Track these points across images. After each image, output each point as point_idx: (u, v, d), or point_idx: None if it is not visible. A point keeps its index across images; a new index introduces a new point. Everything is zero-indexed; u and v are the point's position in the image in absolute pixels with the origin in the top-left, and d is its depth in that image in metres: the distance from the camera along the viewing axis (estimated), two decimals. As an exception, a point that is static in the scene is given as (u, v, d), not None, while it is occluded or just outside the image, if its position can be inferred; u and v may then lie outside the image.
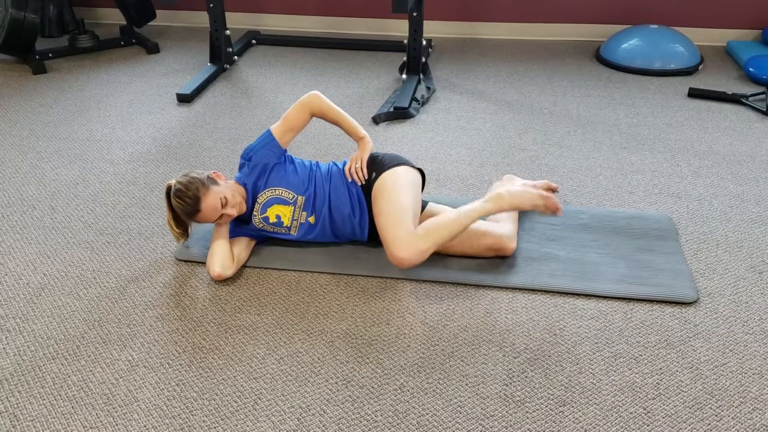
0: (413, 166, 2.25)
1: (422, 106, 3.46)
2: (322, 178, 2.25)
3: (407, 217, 2.04)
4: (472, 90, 3.66)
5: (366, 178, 2.22)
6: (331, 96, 3.55)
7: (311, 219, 2.23)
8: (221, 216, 2.12)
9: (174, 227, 2.19)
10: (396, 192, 2.11)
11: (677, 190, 2.67)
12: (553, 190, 2.58)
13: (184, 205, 2.07)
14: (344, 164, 2.29)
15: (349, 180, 2.23)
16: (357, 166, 2.22)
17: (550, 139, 3.09)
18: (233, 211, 2.13)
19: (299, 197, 2.21)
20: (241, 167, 2.27)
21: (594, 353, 1.88)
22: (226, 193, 2.11)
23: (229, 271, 2.14)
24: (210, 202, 2.07)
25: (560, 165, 2.86)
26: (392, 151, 3.00)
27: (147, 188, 2.73)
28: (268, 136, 2.21)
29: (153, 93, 3.66)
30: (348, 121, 2.24)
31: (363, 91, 3.65)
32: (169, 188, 2.15)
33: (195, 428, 1.67)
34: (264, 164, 2.21)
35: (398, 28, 4.56)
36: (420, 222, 2.25)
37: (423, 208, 2.29)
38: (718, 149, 2.99)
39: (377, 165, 2.22)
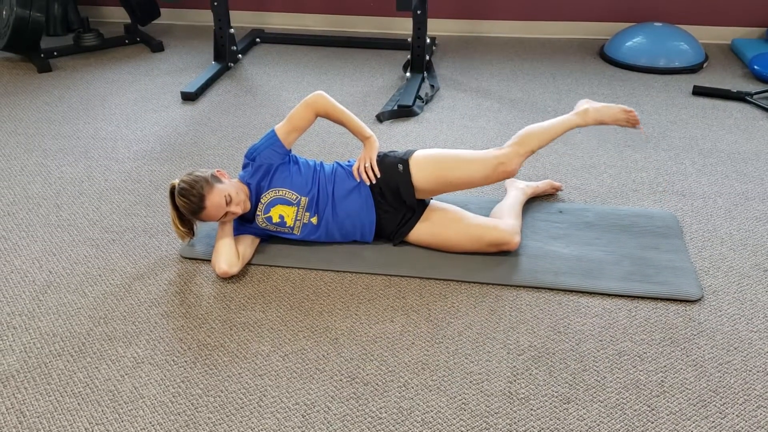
0: None
1: (426, 104, 3.46)
2: (325, 179, 2.25)
3: (474, 154, 2.21)
4: (476, 88, 3.66)
5: (377, 176, 2.21)
6: (335, 94, 3.55)
7: (314, 220, 2.24)
8: (226, 214, 2.12)
9: (179, 226, 2.19)
10: (443, 155, 2.24)
11: (682, 188, 2.67)
12: (557, 189, 2.59)
13: (189, 204, 2.08)
14: (349, 164, 2.29)
15: (358, 180, 2.23)
16: (366, 165, 2.22)
17: (554, 137, 3.08)
18: (237, 209, 2.13)
19: (302, 198, 2.21)
20: (244, 166, 2.27)
21: (598, 351, 1.88)
22: (230, 190, 2.12)
23: (235, 269, 2.15)
24: (214, 199, 2.08)
25: (564, 163, 2.86)
26: (396, 149, 3.00)
27: (152, 186, 2.74)
28: (273, 137, 2.22)
29: (157, 91, 3.67)
30: (353, 121, 2.24)
31: (367, 90, 3.66)
32: (172, 188, 2.15)
33: (200, 425, 1.67)
34: (268, 165, 2.21)
35: (402, 26, 4.56)
36: (433, 220, 2.26)
37: (426, 204, 2.29)
38: (722, 147, 2.98)
39: (393, 159, 2.23)
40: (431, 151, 2.26)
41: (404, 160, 2.22)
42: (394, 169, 2.21)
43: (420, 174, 2.20)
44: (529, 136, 2.23)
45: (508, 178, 2.22)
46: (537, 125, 2.27)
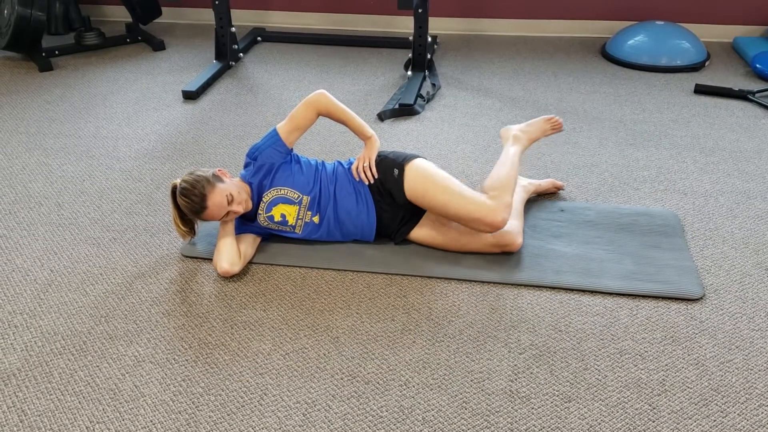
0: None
1: (427, 102, 3.46)
2: (327, 178, 2.25)
3: (467, 190, 2.16)
4: (477, 87, 3.65)
5: (375, 177, 2.21)
6: (336, 93, 3.55)
7: (315, 219, 2.24)
8: (227, 213, 2.12)
9: (180, 226, 2.19)
10: (437, 178, 2.18)
11: (683, 186, 2.66)
12: (559, 188, 2.59)
13: (191, 203, 2.08)
14: (350, 164, 2.29)
15: (357, 180, 2.23)
16: (365, 165, 2.22)
17: (555, 136, 3.08)
18: (239, 208, 2.13)
19: (304, 197, 2.21)
20: (246, 166, 2.27)
21: (599, 349, 1.88)
22: (231, 189, 2.12)
23: (237, 268, 2.15)
24: (216, 199, 2.08)
25: (566, 161, 2.86)
26: (397, 148, 3.00)
27: (153, 185, 2.74)
28: (274, 136, 2.21)
29: (159, 90, 3.67)
30: (355, 120, 2.24)
31: (368, 88, 3.65)
32: (174, 188, 2.15)
33: (201, 423, 1.67)
34: (270, 164, 2.21)
35: (403, 25, 4.56)
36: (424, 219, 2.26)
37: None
38: (724, 146, 2.98)
39: (391, 162, 2.22)
40: (429, 169, 2.20)
41: (401, 166, 2.21)
42: (390, 173, 2.21)
43: (411, 185, 2.19)
44: (496, 182, 2.17)
45: (492, 231, 2.13)
46: (497, 169, 2.23)
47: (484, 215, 2.09)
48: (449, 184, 2.16)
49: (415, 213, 2.26)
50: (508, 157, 2.28)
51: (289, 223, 2.23)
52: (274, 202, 2.20)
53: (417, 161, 2.22)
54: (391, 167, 2.21)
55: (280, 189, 2.20)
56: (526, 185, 2.49)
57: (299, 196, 2.21)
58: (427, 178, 2.18)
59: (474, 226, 2.13)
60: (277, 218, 2.22)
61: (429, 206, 2.18)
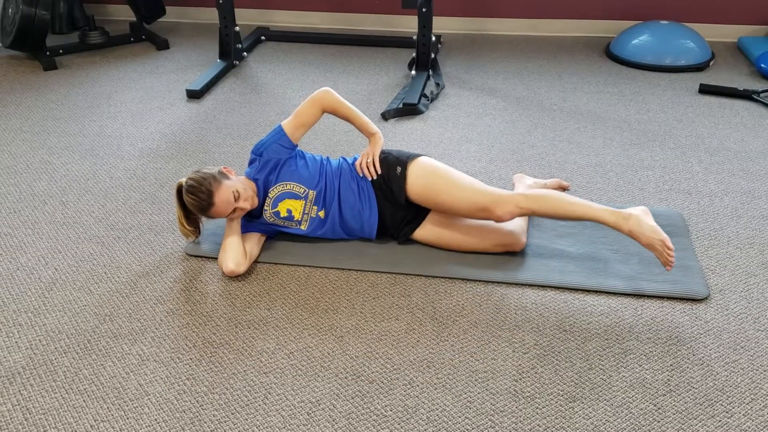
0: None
1: (431, 102, 3.45)
2: (332, 173, 2.25)
3: (475, 182, 2.15)
4: (481, 86, 3.65)
5: (378, 173, 2.21)
6: (340, 92, 3.55)
7: (321, 214, 2.24)
8: (234, 210, 2.13)
9: (185, 225, 2.19)
10: (441, 173, 2.17)
11: (688, 186, 2.66)
12: (564, 188, 2.58)
13: (198, 201, 2.08)
14: (354, 160, 2.29)
15: (360, 175, 2.23)
16: (368, 161, 2.22)
17: (559, 136, 3.08)
18: (246, 205, 2.13)
19: (310, 191, 2.21)
20: (251, 162, 2.27)
21: (604, 349, 1.88)
22: (238, 186, 2.12)
23: (242, 268, 2.15)
24: (223, 195, 2.08)
25: (570, 161, 2.85)
26: (402, 147, 2.99)
27: (157, 184, 2.74)
28: (280, 132, 2.22)
29: (163, 89, 3.67)
30: (359, 117, 2.24)
31: (372, 88, 3.65)
32: (179, 187, 2.15)
33: (205, 422, 1.67)
34: (276, 159, 2.21)
35: (407, 24, 4.56)
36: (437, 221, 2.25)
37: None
38: (729, 145, 2.97)
39: (394, 160, 2.22)
40: (433, 165, 2.20)
41: (404, 163, 2.21)
42: (393, 170, 2.21)
43: (413, 182, 2.18)
44: (545, 199, 2.08)
45: (491, 220, 2.12)
46: (564, 197, 2.08)
47: (483, 205, 2.09)
48: (454, 177, 2.16)
49: (418, 212, 2.26)
50: (586, 203, 2.08)
51: (295, 219, 2.23)
52: (280, 198, 2.21)
53: (421, 159, 2.22)
54: (394, 165, 2.21)
55: (286, 184, 2.20)
56: (531, 184, 2.49)
57: (305, 191, 2.21)
58: (429, 174, 2.18)
59: (475, 217, 2.13)
60: (283, 214, 2.22)
61: (434, 201, 2.17)
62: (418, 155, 2.24)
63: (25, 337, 1.95)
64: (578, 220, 2.12)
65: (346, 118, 2.25)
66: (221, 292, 2.12)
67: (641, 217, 2.03)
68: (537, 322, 1.98)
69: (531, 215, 2.13)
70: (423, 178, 2.17)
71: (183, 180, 2.14)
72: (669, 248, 1.98)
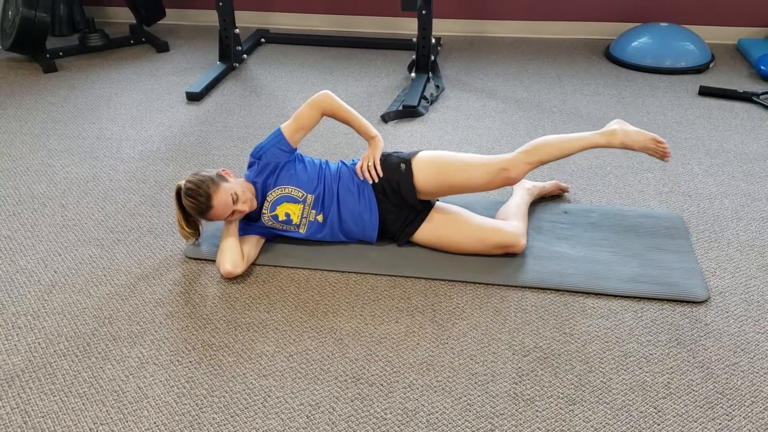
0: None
1: (431, 104, 3.46)
2: (331, 177, 2.25)
3: (477, 156, 2.20)
4: (481, 88, 3.65)
5: (380, 176, 2.21)
6: (340, 94, 3.55)
7: (320, 218, 2.23)
8: (232, 213, 2.12)
9: (184, 227, 2.19)
10: (446, 157, 2.22)
11: (688, 188, 2.66)
12: (563, 190, 2.58)
13: (196, 204, 2.08)
14: (353, 163, 2.29)
15: (361, 179, 2.23)
16: (369, 164, 2.22)
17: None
18: (244, 207, 2.13)
19: (309, 195, 2.21)
20: (250, 165, 2.27)
21: (604, 352, 1.87)
22: (236, 189, 2.12)
23: (240, 269, 2.15)
24: (221, 198, 2.08)
25: (570, 163, 2.85)
26: (401, 150, 2.99)
27: (157, 186, 2.74)
28: (279, 135, 2.22)
29: (162, 91, 3.67)
30: (359, 120, 2.24)
31: (372, 90, 3.65)
32: (178, 189, 2.15)
33: (205, 425, 1.67)
34: (275, 163, 2.21)
35: (407, 27, 4.56)
36: (441, 220, 2.25)
37: (431, 205, 2.29)
38: (728, 148, 2.97)
39: (396, 159, 2.22)
40: (435, 152, 2.25)
41: (407, 160, 2.21)
42: (396, 169, 2.21)
43: (421, 174, 2.19)
44: (542, 145, 2.18)
45: (511, 184, 2.18)
46: (554, 136, 2.21)
47: (497, 172, 2.14)
48: (460, 157, 2.20)
49: (418, 215, 2.26)
50: (575, 135, 2.23)
51: (294, 222, 2.23)
52: (278, 201, 2.20)
53: (421, 153, 2.25)
54: (396, 164, 2.22)
55: (285, 188, 2.20)
56: (530, 188, 2.49)
57: (303, 195, 2.21)
58: (435, 161, 2.21)
59: (495, 186, 2.18)
60: (282, 217, 2.22)
61: (449, 184, 2.21)
62: (417, 151, 2.26)
63: (24, 340, 1.94)
64: (577, 152, 2.25)
65: (346, 121, 2.25)
66: (221, 295, 2.11)
67: (624, 127, 2.24)
68: (537, 324, 1.97)
69: (540, 165, 2.19)
70: (430, 167, 2.19)
71: (182, 183, 2.14)
72: (660, 142, 2.20)
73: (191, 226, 2.21)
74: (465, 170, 2.17)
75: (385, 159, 2.25)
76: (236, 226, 2.19)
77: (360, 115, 2.25)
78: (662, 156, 2.21)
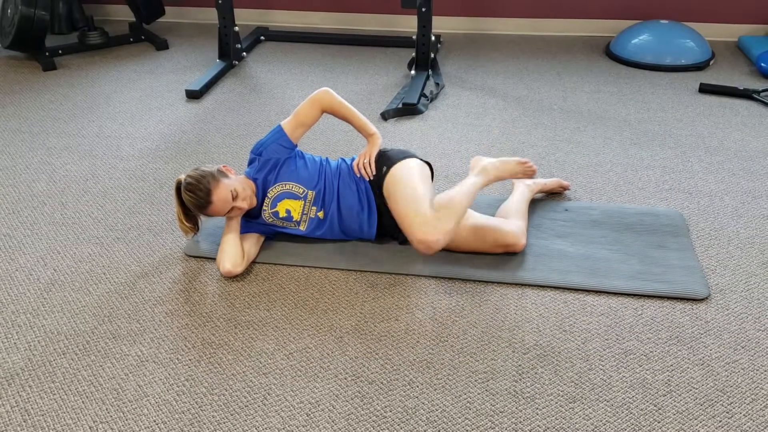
0: (421, 160, 2.25)
1: (431, 102, 3.45)
2: (331, 173, 2.25)
3: (424, 201, 2.04)
4: (481, 86, 3.65)
5: (375, 173, 2.21)
6: (339, 92, 3.55)
7: (320, 214, 2.23)
8: (232, 209, 2.12)
9: (184, 222, 2.19)
10: (410, 181, 2.12)
11: (688, 186, 2.65)
12: (564, 188, 2.58)
13: (195, 198, 2.07)
14: (353, 160, 2.29)
15: (358, 176, 2.23)
16: (365, 161, 2.22)
17: (559, 135, 3.08)
18: (244, 204, 2.13)
19: (309, 192, 2.21)
20: (250, 162, 2.27)
21: (604, 350, 1.87)
22: (236, 185, 2.12)
23: (240, 268, 2.14)
24: (221, 194, 2.08)
25: (570, 161, 2.85)
26: (401, 147, 2.99)
27: (156, 184, 2.73)
28: (279, 131, 2.21)
29: (162, 89, 3.67)
30: (358, 118, 2.24)
31: (372, 87, 3.65)
32: (178, 183, 2.15)
33: (205, 423, 1.67)
34: (275, 159, 2.21)
35: (407, 24, 4.55)
36: None
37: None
38: (729, 145, 2.97)
39: (386, 159, 2.22)
40: (411, 171, 2.15)
41: (392, 163, 2.19)
42: (380, 170, 2.21)
43: (387, 181, 2.16)
44: (449, 209, 2.01)
45: (423, 251, 1.99)
46: (451, 194, 2.06)
47: (415, 229, 1.97)
48: (415, 190, 2.07)
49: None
50: (465, 185, 2.11)
51: (294, 219, 2.23)
52: (279, 198, 2.20)
53: (407, 162, 2.19)
54: (381, 166, 2.21)
55: (285, 184, 2.20)
56: (530, 184, 2.48)
57: (304, 191, 2.20)
58: (399, 179, 2.13)
59: (409, 237, 2.01)
60: (282, 214, 2.22)
61: (390, 205, 2.14)
62: (411, 157, 2.22)
63: (23, 338, 1.94)
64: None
65: (345, 119, 2.25)
66: (220, 293, 2.11)
67: (484, 163, 2.26)
68: (537, 322, 1.97)
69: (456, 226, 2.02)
70: (393, 182, 2.14)
71: (182, 177, 2.14)
72: (524, 163, 2.26)
73: (190, 220, 2.21)
74: (398, 202, 2.07)
75: (380, 156, 2.24)
76: (237, 224, 2.19)
77: (359, 113, 2.25)
78: (530, 174, 2.28)
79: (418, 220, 1.98)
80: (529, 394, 1.74)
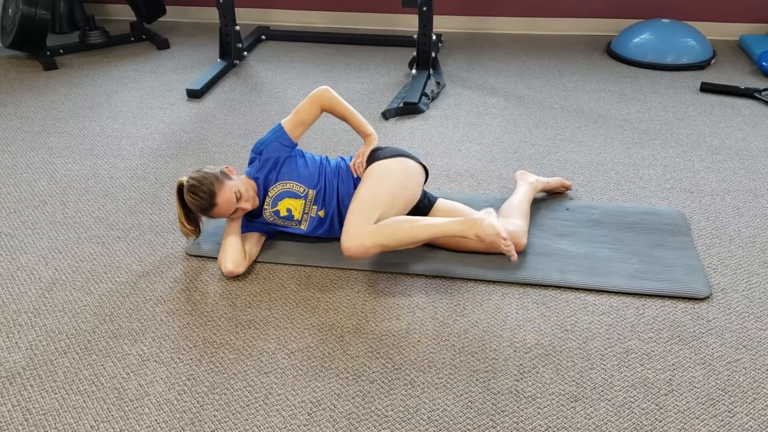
0: (415, 161, 2.24)
1: (432, 101, 3.45)
2: (331, 172, 2.25)
3: (374, 208, 2.03)
4: (482, 85, 3.64)
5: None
6: (340, 91, 3.55)
7: (321, 213, 2.23)
8: (235, 210, 2.12)
9: (185, 224, 2.19)
10: (377, 182, 2.11)
11: (689, 185, 2.65)
12: (567, 188, 2.58)
13: (199, 201, 2.07)
14: (351, 159, 2.29)
15: (354, 175, 2.23)
16: (359, 161, 2.22)
17: (561, 135, 3.07)
18: (248, 205, 2.13)
19: (310, 191, 2.21)
20: (251, 161, 2.27)
21: (606, 349, 1.87)
22: (239, 186, 2.12)
23: (241, 268, 2.14)
24: (225, 196, 2.08)
25: (571, 160, 2.85)
26: (401, 146, 2.99)
27: (157, 184, 2.73)
28: (279, 130, 2.21)
29: (163, 89, 3.67)
30: (356, 118, 2.24)
31: (372, 87, 3.65)
32: (180, 185, 2.15)
33: (206, 422, 1.67)
34: (275, 158, 2.21)
35: (408, 23, 4.55)
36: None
37: (432, 203, 2.28)
38: (730, 144, 2.96)
39: (374, 157, 2.22)
40: (386, 172, 2.14)
41: (371, 162, 2.20)
42: (368, 167, 2.21)
43: (362, 180, 2.17)
44: (392, 228, 1.99)
45: (346, 256, 2.01)
46: (404, 220, 2.02)
47: (343, 232, 2.01)
48: (375, 193, 2.07)
49: (418, 211, 2.25)
50: (428, 224, 2.02)
51: (295, 218, 2.23)
52: (280, 197, 2.20)
53: (391, 161, 2.18)
54: (370, 162, 2.21)
55: (286, 183, 2.20)
56: (533, 182, 2.48)
57: (305, 190, 2.20)
58: (371, 178, 2.13)
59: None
60: (283, 213, 2.22)
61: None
62: (401, 157, 2.21)
63: (25, 338, 1.94)
64: (427, 241, 2.05)
65: (343, 118, 2.25)
66: (221, 292, 2.11)
67: (490, 221, 1.98)
68: (538, 321, 1.97)
69: (380, 250, 2.01)
70: (363, 178, 2.16)
71: (183, 179, 2.14)
72: (504, 239, 1.94)
73: (192, 223, 2.21)
74: (355, 203, 2.07)
75: (371, 154, 2.24)
76: (239, 224, 2.19)
77: (357, 113, 2.25)
78: (510, 254, 1.97)
79: (349, 228, 2.00)
80: (530, 394, 1.74)
